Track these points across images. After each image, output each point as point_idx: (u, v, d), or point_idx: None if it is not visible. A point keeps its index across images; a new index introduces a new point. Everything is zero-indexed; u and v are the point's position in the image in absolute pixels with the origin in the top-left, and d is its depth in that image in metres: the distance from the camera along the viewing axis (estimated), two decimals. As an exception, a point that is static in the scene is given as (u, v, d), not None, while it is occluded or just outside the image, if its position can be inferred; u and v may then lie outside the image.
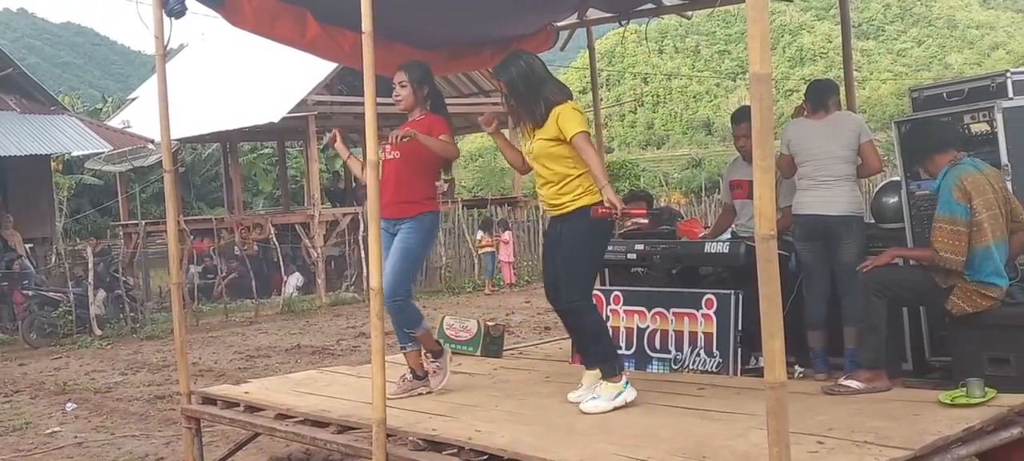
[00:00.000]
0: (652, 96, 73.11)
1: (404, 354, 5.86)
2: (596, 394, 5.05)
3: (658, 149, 67.22)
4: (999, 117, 5.20)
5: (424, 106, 5.74)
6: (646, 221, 5.59)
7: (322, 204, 22.25)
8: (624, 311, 6.44)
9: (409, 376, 5.84)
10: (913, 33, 68.53)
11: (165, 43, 5.95)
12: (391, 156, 5.63)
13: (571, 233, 5.10)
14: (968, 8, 74.55)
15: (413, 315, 5.75)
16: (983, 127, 5.29)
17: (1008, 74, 5.44)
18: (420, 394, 5.74)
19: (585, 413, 4.97)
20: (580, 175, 5.08)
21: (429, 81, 5.78)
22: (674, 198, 35.52)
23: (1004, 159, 5.19)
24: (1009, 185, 5.16)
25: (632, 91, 72.43)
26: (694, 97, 68.35)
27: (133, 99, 29.55)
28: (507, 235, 20.50)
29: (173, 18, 5.87)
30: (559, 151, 5.07)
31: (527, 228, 22.72)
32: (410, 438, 4.83)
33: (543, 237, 5.59)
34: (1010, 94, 5.35)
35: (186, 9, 5.87)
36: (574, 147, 5.01)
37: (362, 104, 4.79)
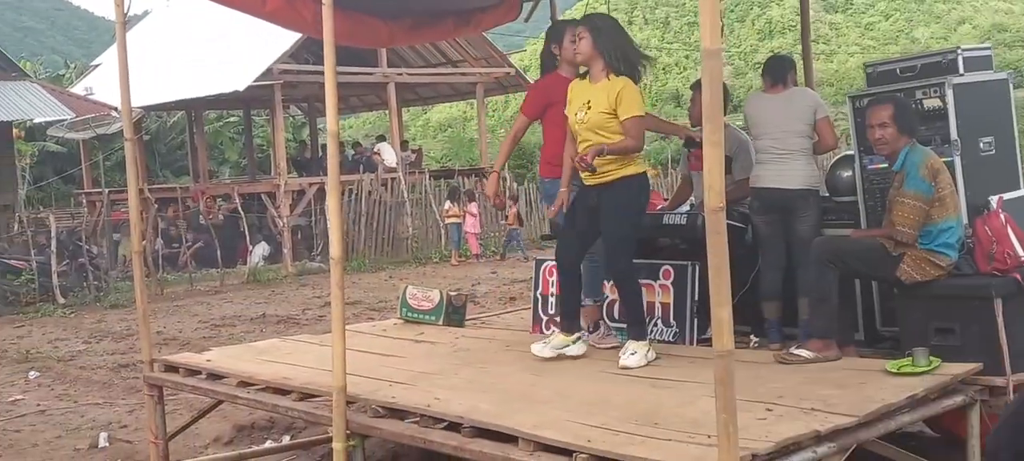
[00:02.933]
0: (621, 67, 72.68)
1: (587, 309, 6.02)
2: (634, 350, 5.35)
3: (627, 120, 66.94)
4: (950, 93, 5.30)
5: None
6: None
7: (289, 173, 22.15)
8: (584, 281, 6.50)
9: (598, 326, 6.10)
10: (881, 7, 68.64)
11: (126, 10, 5.93)
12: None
13: (615, 202, 5.43)
14: (935, -18, 74.94)
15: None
16: (935, 102, 5.38)
17: (959, 51, 5.53)
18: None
19: (625, 367, 5.24)
20: None
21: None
22: (643, 170, 35.51)
23: (954, 134, 5.30)
24: (958, 160, 5.28)
25: (601, 62, 72.02)
26: (664, 69, 68.20)
27: (96, 66, 29.19)
28: (473, 207, 20.46)
29: (135, -15, 5.85)
30: (613, 125, 5.40)
31: (494, 199, 22.65)
32: (370, 405, 4.90)
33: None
34: (961, 71, 5.44)
35: (148, -24, 5.86)
36: (623, 127, 5.36)
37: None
